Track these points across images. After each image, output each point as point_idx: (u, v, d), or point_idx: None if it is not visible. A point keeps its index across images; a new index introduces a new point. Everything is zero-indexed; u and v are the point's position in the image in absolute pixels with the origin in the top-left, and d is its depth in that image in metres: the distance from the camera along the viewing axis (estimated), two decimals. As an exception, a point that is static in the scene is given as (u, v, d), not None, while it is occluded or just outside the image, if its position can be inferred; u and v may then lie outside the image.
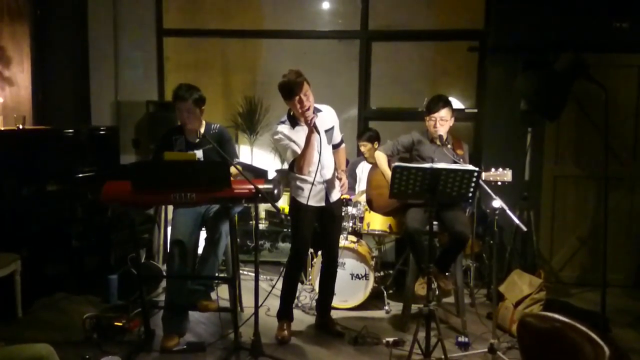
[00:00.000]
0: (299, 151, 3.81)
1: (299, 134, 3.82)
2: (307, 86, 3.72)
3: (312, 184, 3.85)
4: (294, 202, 4.04)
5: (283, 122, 3.91)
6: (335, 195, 4.06)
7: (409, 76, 5.91)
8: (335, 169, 4.07)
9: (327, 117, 3.96)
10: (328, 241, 4.19)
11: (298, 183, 3.97)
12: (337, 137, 4.09)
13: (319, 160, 3.85)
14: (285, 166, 5.70)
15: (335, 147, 4.11)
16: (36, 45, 5.41)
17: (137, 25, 5.94)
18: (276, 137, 3.90)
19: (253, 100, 5.95)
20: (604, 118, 4.16)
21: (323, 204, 3.99)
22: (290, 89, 3.69)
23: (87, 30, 5.89)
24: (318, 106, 3.92)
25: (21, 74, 5.27)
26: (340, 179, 4.04)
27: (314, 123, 3.69)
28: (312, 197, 3.93)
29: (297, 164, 3.83)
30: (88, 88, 5.93)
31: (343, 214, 4.89)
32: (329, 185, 3.99)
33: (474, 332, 4.19)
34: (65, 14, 5.77)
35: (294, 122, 3.88)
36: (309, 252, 4.95)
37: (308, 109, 3.70)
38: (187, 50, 6.19)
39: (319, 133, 3.75)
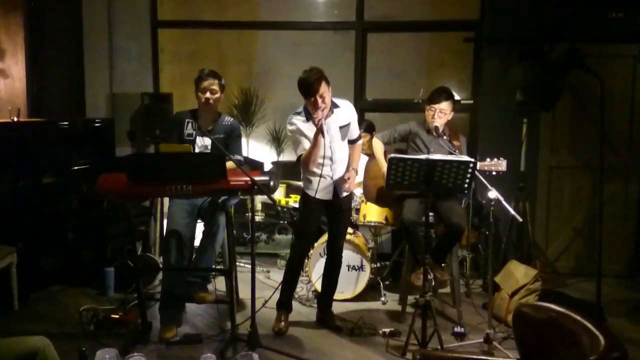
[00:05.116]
0: (307, 147, 3.82)
1: (313, 128, 3.79)
2: (326, 86, 3.69)
3: (320, 176, 3.85)
4: (302, 194, 4.06)
5: (299, 113, 3.90)
6: (343, 192, 4.02)
7: (405, 67, 5.89)
8: (348, 166, 4.04)
9: (344, 113, 3.93)
10: (333, 232, 4.18)
11: (307, 175, 3.97)
12: (354, 133, 4.05)
13: (330, 157, 3.86)
14: (282, 158, 5.72)
15: (351, 142, 4.07)
16: (30, 37, 5.37)
17: (131, 16, 5.89)
18: (290, 127, 3.90)
19: (249, 91, 5.94)
20: (600, 108, 4.16)
21: (330, 198, 3.97)
22: (307, 88, 3.67)
23: (81, 22, 5.85)
24: (337, 101, 3.90)
25: (15, 66, 5.24)
26: (348, 179, 3.95)
27: (321, 125, 3.67)
28: (319, 190, 3.92)
29: (303, 160, 3.85)
30: (83, 80, 5.89)
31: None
32: (339, 181, 3.95)
33: (469, 323, 4.21)
34: (60, 5, 5.73)
35: (309, 114, 3.84)
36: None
37: (322, 109, 3.69)
38: (182, 42, 6.16)
39: (323, 136, 3.73)
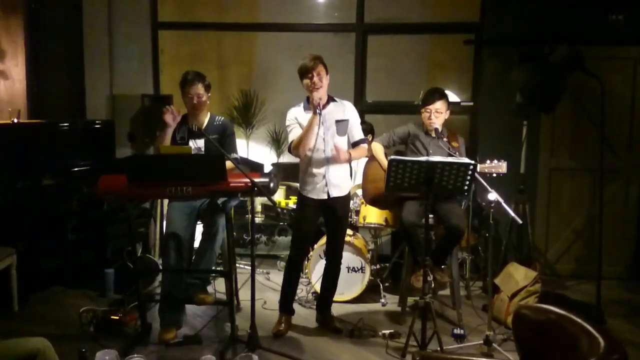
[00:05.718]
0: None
1: (309, 118, 3.83)
2: (322, 69, 3.81)
3: (312, 175, 3.87)
4: (298, 195, 4.08)
5: (299, 105, 3.99)
6: (336, 192, 3.96)
7: (405, 69, 5.89)
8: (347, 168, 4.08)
9: (341, 109, 3.96)
10: (330, 239, 4.17)
11: (302, 175, 3.98)
12: (356, 134, 4.03)
13: (323, 149, 3.87)
14: (282, 159, 5.71)
15: (355, 144, 4.04)
16: (31, 38, 5.37)
17: (132, 18, 5.90)
18: (288, 116, 3.98)
19: (249, 93, 5.94)
20: (600, 110, 4.16)
21: (325, 197, 3.95)
22: (304, 69, 3.79)
23: (81, 24, 5.85)
24: (337, 98, 3.99)
25: (16, 68, 5.24)
26: (338, 150, 3.87)
27: (318, 103, 3.71)
28: (312, 188, 3.93)
29: (294, 145, 3.88)
30: (83, 81, 5.90)
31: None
32: (331, 179, 3.94)
33: (469, 324, 4.21)
34: (60, 7, 5.73)
35: (308, 105, 3.90)
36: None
37: (319, 88, 3.77)
38: (182, 43, 6.17)
39: (320, 113, 3.75)
